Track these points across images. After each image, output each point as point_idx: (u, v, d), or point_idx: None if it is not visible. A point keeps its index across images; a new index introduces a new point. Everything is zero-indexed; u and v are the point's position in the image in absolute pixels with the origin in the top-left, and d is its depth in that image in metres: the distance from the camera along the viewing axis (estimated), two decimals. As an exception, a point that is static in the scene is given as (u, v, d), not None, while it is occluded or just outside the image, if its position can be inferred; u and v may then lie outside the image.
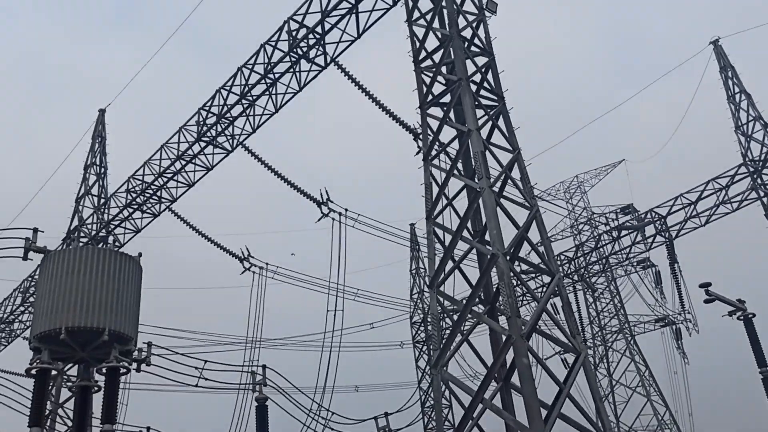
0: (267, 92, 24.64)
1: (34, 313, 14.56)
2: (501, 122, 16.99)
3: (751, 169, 31.49)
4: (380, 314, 41.13)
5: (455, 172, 16.71)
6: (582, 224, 55.87)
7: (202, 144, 26.62)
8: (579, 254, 39.40)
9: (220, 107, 25.69)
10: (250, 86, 24.83)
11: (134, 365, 14.88)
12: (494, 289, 15.85)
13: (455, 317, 14.87)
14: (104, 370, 14.13)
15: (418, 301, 45.20)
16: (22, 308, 34.19)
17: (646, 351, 50.34)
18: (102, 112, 34.48)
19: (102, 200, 31.97)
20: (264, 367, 18.16)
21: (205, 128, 26.25)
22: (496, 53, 17.87)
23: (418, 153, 26.05)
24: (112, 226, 30.15)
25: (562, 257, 39.33)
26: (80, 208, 32.20)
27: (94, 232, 30.10)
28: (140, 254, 15.40)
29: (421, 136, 26.14)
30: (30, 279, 33.35)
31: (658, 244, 36.67)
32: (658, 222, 36.23)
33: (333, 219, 29.03)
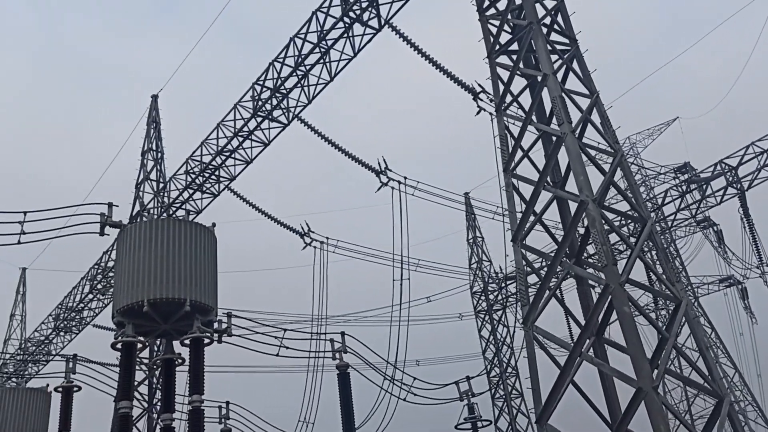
0: (321, 61, 24.14)
1: (114, 287, 14.47)
2: (575, 66, 16.12)
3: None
4: (435, 288, 40.55)
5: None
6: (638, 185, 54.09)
7: (258, 119, 26.32)
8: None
9: (275, 80, 25.30)
10: (303, 56, 24.36)
11: (215, 336, 14.67)
12: (579, 241, 15.12)
13: (542, 272, 14.20)
14: (188, 342, 13.96)
15: (478, 270, 44.57)
16: (90, 296, 34.76)
17: (709, 313, 48.73)
18: (155, 97, 34.57)
19: (161, 184, 32.12)
20: (343, 334, 17.85)
21: (260, 103, 25.93)
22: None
23: (478, 113, 25.33)
24: (173, 209, 30.24)
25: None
26: (140, 193, 32.42)
27: (156, 216, 30.24)
28: (214, 224, 15.15)
29: (480, 95, 25.43)
30: (96, 266, 33.84)
31: (730, 196, 35.11)
32: (729, 174, 34.71)
33: (392, 188, 28.54)
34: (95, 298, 35.20)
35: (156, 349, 29.18)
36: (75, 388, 17.02)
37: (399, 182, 28.48)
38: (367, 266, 33.51)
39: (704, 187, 35.34)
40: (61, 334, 38.00)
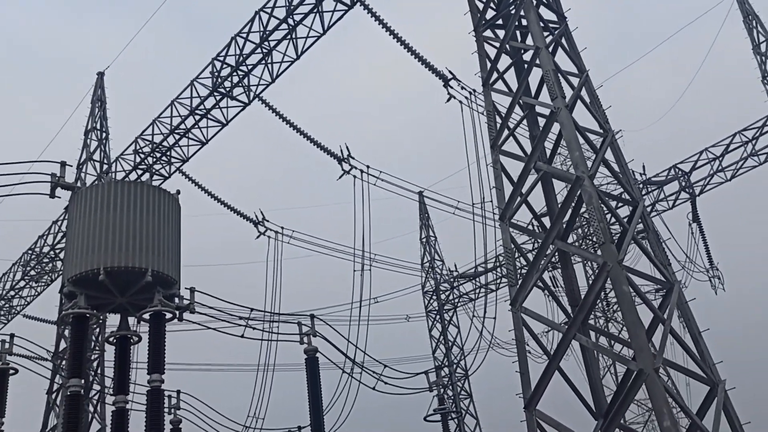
0: (288, 37, 23.03)
1: (65, 255, 13.02)
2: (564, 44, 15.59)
3: (782, 119, 30.44)
4: (386, 290, 39.53)
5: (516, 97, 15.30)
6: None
7: (217, 97, 24.96)
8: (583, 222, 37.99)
9: (236, 56, 24.04)
10: (268, 32, 23.19)
11: (177, 313, 13.37)
12: (564, 222, 14.52)
13: (531, 253, 13.53)
14: (148, 316, 12.64)
15: (430, 269, 44.08)
16: (22, 283, 32.47)
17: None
18: (101, 75, 32.64)
19: (105, 165, 30.28)
20: (312, 316, 16.73)
21: (219, 80, 24.58)
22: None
23: (448, 101, 24.73)
24: (119, 191, 28.45)
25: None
26: (82, 174, 30.47)
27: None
28: (179, 191, 13.89)
29: (451, 83, 24.80)
30: (31, 251, 31.62)
31: (682, 201, 35.68)
32: (682, 178, 35.25)
33: (354, 176, 27.59)
34: (27, 285, 32.92)
35: (95, 338, 27.34)
36: (11, 371, 15.37)
37: (362, 171, 27.55)
38: (325, 262, 32.36)
39: (659, 190, 35.79)
40: (-13, 324, 35.44)
